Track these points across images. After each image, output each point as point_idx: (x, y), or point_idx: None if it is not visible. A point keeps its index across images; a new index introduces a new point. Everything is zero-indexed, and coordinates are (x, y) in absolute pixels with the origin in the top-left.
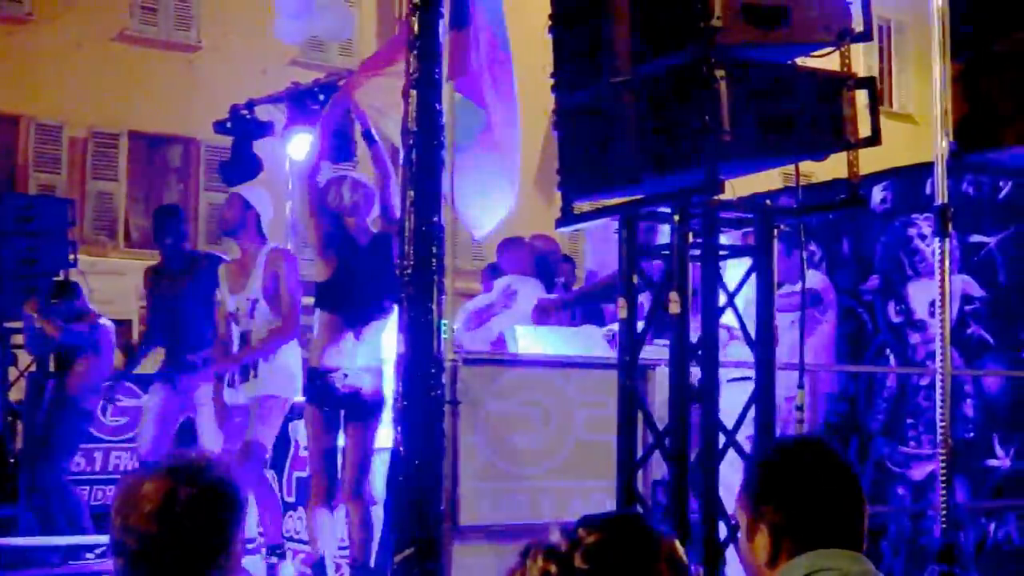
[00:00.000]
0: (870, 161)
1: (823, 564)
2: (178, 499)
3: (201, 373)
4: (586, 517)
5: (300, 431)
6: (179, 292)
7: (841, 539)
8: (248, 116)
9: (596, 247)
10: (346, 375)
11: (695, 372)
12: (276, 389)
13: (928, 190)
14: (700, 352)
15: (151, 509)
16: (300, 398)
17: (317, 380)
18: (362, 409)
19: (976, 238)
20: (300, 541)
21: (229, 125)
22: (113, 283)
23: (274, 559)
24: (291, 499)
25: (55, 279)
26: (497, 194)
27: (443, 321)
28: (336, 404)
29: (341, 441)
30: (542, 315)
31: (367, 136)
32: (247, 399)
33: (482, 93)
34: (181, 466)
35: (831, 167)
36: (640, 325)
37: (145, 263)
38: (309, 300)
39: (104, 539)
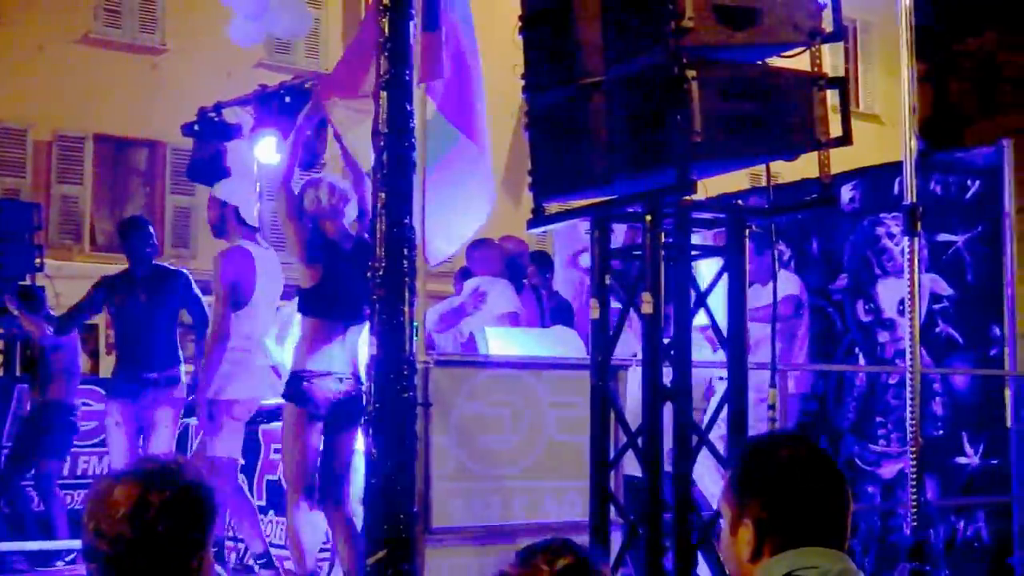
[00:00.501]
0: (837, 160)
1: (804, 562)
2: (150, 503)
3: (162, 391)
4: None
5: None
6: (143, 306)
7: (824, 537)
8: (215, 118)
9: (563, 249)
10: (341, 379)
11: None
12: (236, 392)
13: (896, 189)
14: (672, 352)
15: (123, 513)
16: (273, 400)
17: (302, 383)
18: (352, 414)
19: (944, 237)
20: (273, 545)
21: (197, 128)
22: (79, 287)
23: (266, 572)
24: (262, 503)
25: (20, 284)
26: (461, 218)
27: (415, 323)
28: (321, 407)
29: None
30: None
31: (339, 137)
32: (207, 403)
33: (455, 108)
34: (153, 470)
35: (798, 166)
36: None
37: (112, 267)
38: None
39: (76, 544)
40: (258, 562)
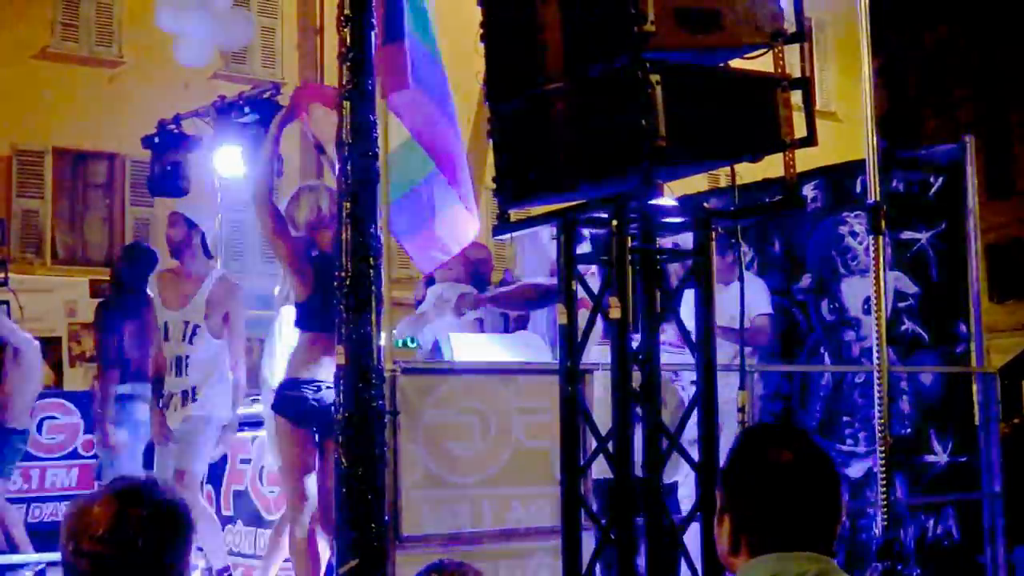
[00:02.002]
0: (796, 159)
1: (780, 568)
2: (128, 521)
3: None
4: None
5: (245, 445)
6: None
7: (805, 540)
8: (175, 130)
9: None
10: (319, 388)
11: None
12: (212, 410)
13: (859, 188)
14: (641, 356)
15: (102, 532)
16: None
17: (292, 391)
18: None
19: (908, 235)
20: (240, 555)
21: (156, 140)
22: (41, 300)
23: None
24: (229, 512)
25: None
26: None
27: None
28: (305, 413)
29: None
30: (460, 308)
31: (320, 147)
32: (181, 421)
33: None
34: (129, 489)
35: (758, 166)
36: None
37: (73, 280)
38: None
39: (42, 556)
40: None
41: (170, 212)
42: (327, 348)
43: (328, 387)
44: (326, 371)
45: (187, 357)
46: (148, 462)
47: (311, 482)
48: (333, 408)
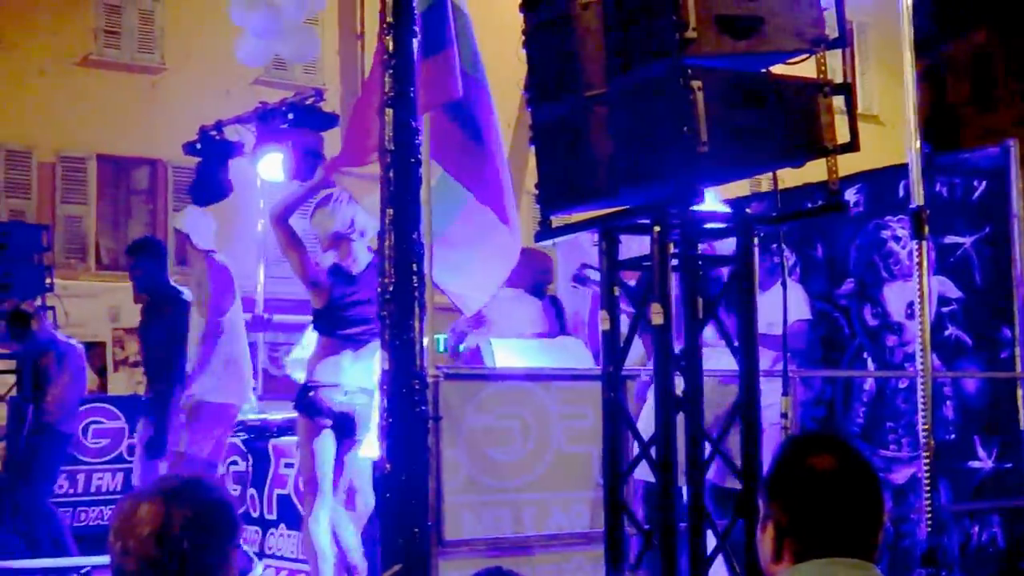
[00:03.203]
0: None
1: (822, 574)
2: (174, 521)
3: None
4: None
5: (288, 449)
6: (149, 327)
7: (847, 547)
8: (217, 137)
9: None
10: (345, 392)
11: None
12: (212, 395)
13: (901, 192)
14: (683, 362)
15: (149, 532)
16: (278, 414)
17: (308, 393)
18: (349, 428)
19: (951, 239)
20: (283, 559)
21: (199, 146)
22: (86, 306)
23: None
24: (272, 517)
25: (10, 310)
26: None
27: (438, 336)
28: (327, 416)
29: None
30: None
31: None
32: (184, 406)
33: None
34: (175, 488)
35: (799, 170)
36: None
37: (116, 285)
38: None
39: (88, 560)
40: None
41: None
42: (337, 350)
43: (352, 392)
44: (338, 373)
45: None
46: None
47: (327, 478)
48: (358, 413)
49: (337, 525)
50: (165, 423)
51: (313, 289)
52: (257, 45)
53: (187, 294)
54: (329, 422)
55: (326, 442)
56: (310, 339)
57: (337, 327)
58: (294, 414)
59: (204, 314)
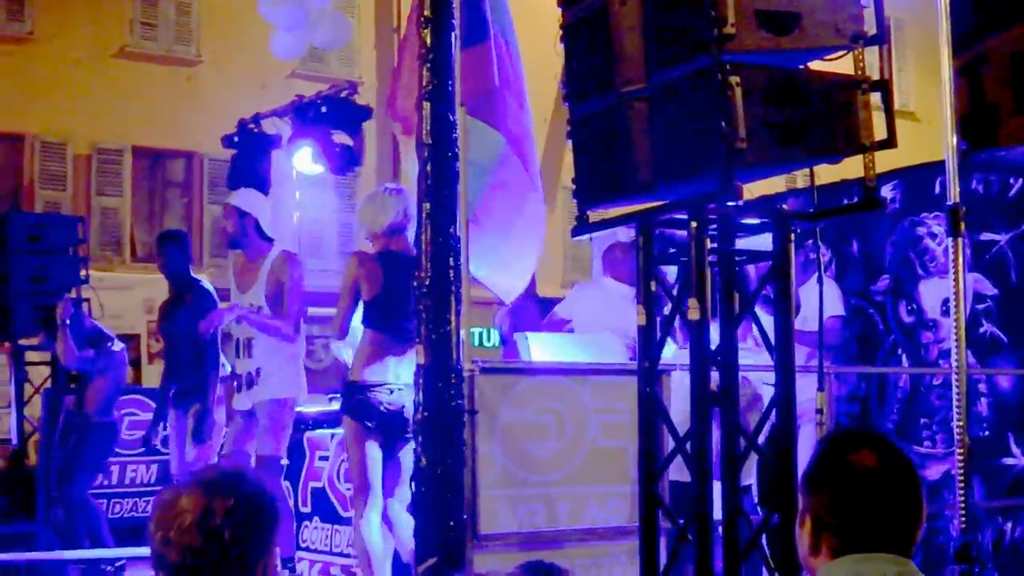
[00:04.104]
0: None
1: (860, 570)
2: (216, 511)
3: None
4: None
5: (324, 442)
6: (176, 320)
7: (885, 542)
8: (254, 130)
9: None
10: (392, 391)
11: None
12: (279, 392)
13: (937, 189)
14: (719, 358)
15: (191, 522)
16: (313, 407)
17: (357, 395)
18: (399, 427)
19: (987, 236)
20: (316, 551)
21: (236, 139)
22: (121, 298)
23: (285, 572)
24: (307, 509)
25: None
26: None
27: (485, 329)
28: (377, 418)
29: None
30: None
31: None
32: (252, 404)
33: (502, 118)
34: (215, 479)
35: (837, 167)
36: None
37: (151, 277)
38: (319, 310)
39: (122, 552)
40: (286, 567)
41: (223, 204)
42: (387, 347)
43: (397, 389)
44: (384, 371)
45: (251, 339)
46: None
47: (376, 478)
48: (408, 410)
49: (396, 521)
50: (207, 410)
51: (368, 279)
52: (288, 38)
53: (208, 284)
54: (375, 424)
55: (375, 444)
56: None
57: (387, 320)
58: (329, 407)
59: (287, 312)
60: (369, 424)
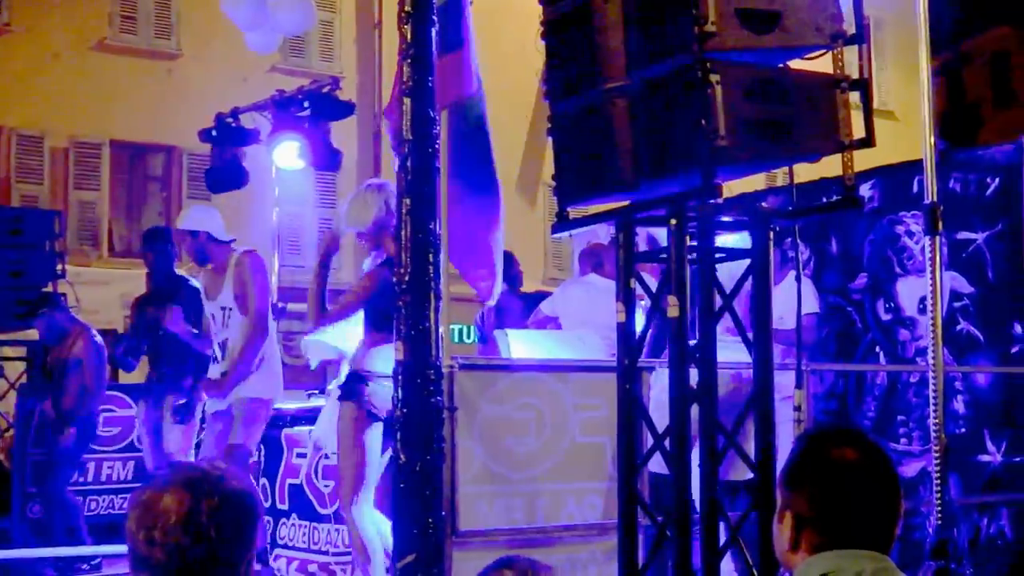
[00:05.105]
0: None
1: (839, 565)
2: (201, 510)
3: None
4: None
5: (302, 439)
6: (163, 316)
7: (865, 538)
8: (233, 124)
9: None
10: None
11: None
12: (259, 391)
13: (916, 188)
14: (698, 355)
15: (175, 520)
16: (292, 404)
17: (360, 383)
18: None
19: (964, 235)
20: (294, 548)
21: (215, 133)
22: (98, 292)
23: (258, 566)
24: (284, 506)
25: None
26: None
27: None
28: (380, 409)
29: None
30: None
31: None
32: (230, 402)
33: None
34: (199, 477)
35: (816, 165)
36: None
37: (129, 272)
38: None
39: (98, 550)
40: (259, 560)
41: (174, 232)
42: (388, 340)
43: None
44: (388, 364)
45: (224, 341)
46: None
47: (372, 470)
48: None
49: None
50: (186, 394)
51: (363, 275)
52: (256, 35)
53: (195, 281)
54: (381, 415)
55: (375, 434)
56: (353, 330)
57: (384, 320)
58: (308, 403)
59: (248, 312)
60: (374, 410)
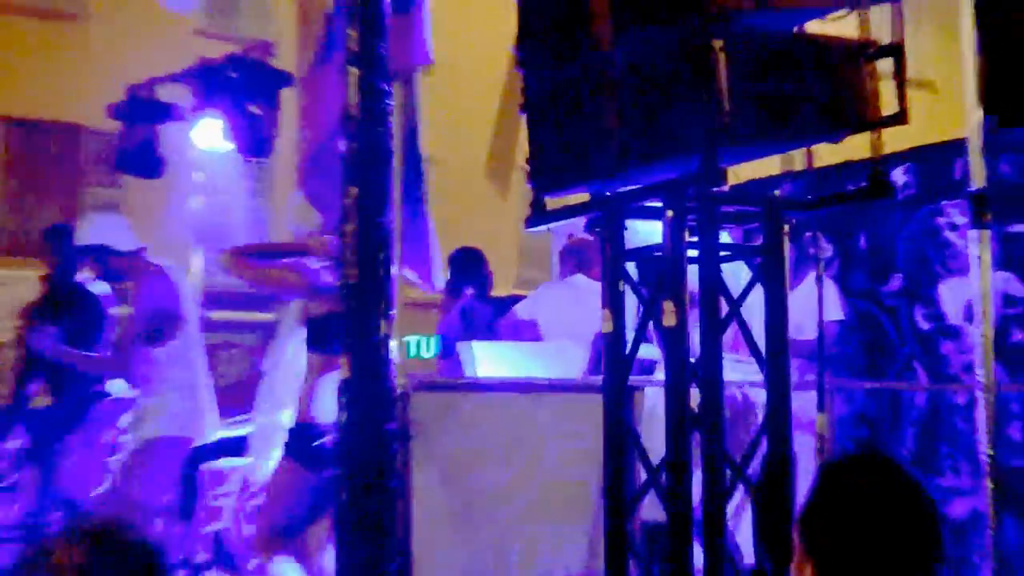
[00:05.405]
0: (885, 137)
1: None
2: (100, 568)
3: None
4: None
5: (224, 476)
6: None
7: None
8: (147, 98)
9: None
10: None
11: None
12: (168, 429)
13: (958, 172)
14: (700, 371)
15: None
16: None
17: (309, 441)
18: None
19: (1017, 228)
20: None
21: (126, 108)
22: None
23: None
24: (202, 558)
25: None
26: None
27: (423, 337)
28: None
29: None
30: None
31: None
32: (136, 444)
33: None
34: (97, 532)
35: (840, 147)
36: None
37: (22, 273)
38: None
39: None
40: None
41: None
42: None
43: None
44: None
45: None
46: None
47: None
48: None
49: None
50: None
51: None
52: None
53: (97, 287)
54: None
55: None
56: (292, 361)
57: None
58: (231, 432)
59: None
60: (321, 471)
